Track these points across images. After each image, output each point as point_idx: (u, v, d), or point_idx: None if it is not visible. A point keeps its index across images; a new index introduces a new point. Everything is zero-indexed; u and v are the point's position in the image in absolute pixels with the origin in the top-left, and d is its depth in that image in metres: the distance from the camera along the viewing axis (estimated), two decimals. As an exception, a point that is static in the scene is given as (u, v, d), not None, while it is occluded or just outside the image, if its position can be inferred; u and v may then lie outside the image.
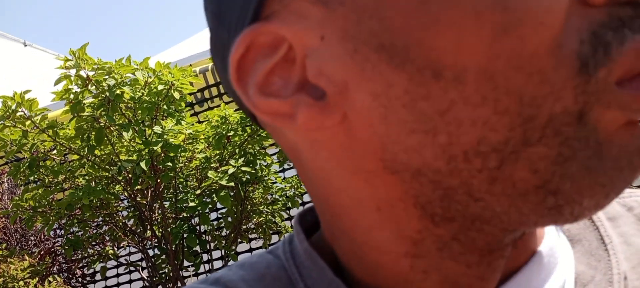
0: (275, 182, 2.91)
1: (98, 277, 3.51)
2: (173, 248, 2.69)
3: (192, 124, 2.57)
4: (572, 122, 0.21)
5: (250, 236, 3.01)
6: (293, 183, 2.96)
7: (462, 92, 0.22)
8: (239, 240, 2.94)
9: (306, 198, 3.05)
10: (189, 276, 2.97)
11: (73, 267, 3.45)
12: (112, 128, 2.48)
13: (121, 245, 3.10)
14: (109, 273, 3.35)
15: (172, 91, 2.42)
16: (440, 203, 0.24)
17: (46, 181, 2.68)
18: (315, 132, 0.25)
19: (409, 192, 0.25)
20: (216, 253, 3.16)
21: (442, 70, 0.22)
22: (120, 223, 2.93)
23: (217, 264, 3.19)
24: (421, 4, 0.22)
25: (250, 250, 3.34)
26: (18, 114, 2.43)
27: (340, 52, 0.23)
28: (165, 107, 2.48)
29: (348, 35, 0.23)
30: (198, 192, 2.56)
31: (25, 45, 8.30)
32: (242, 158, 2.51)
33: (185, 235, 2.71)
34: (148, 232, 2.84)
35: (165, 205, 2.74)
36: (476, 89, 0.21)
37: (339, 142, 0.25)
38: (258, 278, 0.31)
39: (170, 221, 2.69)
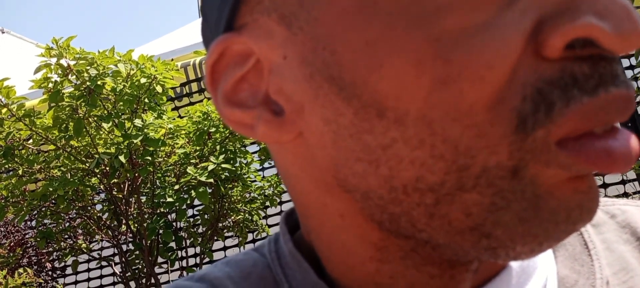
0: (255, 180, 2.90)
1: (69, 271, 3.44)
2: (148, 244, 2.66)
3: (173, 119, 2.55)
4: (506, 175, 0.21)
5: (226, 234, 2.99)
6: (272, 182, 2.96)
7: (402, 133, 0.22)
8: (216, 238, 2.92)
9: (284, 197, 3.05)
10: (163, 272, 2.94)
11: (43, 260, 3.38)
12: (90, 119, 2.44)
13: (95, 239, 3.05)
14: (80, 268, 3.29)
15: (154, 84, 2.40)
16: (390, 224, 0.25)
17: (20, 171, 2.63)
18: (275, 143, 0.26)
19: (363, 209, 0.25)
20: (191, 250, 3.14)
21: (384, 110, 0.22)
22: (95, 217, 2.88)
23: (192, 261, 3.16)
24: (367, 46, 0.22)
25: (226, 248, 3.33)
26: (-6, 101, 2.38)
27: (299, 74, 0.24)
28: (146, 100, 2.45)
29: (306, 60, 0.24)
30: (176, 187, 2.53)
31: (3, 33, 8.10)
32: (223, 155, 2.50)
33: (161, 231, 2.68)
34: (123, 226, 2.80)
35: (142, 200, 2.70)
36: (415, 132, 0.22)
37: (300, 152, 0.26)
38: (244, 276, 0.31)
39: (146, 216, 2.66)
